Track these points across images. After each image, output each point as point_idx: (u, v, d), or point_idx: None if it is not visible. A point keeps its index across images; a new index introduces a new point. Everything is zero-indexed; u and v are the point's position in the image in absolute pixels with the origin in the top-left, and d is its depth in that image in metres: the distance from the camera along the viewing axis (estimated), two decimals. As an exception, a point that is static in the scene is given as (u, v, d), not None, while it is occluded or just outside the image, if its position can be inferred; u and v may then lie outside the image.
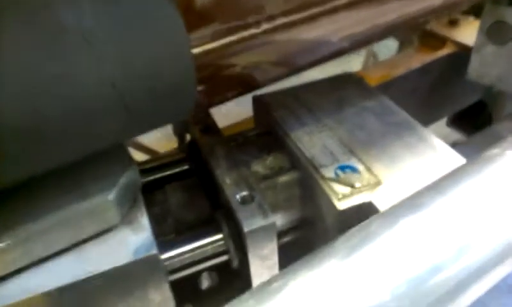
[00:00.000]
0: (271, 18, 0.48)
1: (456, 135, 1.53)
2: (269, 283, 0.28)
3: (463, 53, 1.07)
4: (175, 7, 0.37)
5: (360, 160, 0.52)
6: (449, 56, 1.07)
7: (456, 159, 0.52)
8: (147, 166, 0.55)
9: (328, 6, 0.51)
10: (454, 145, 1.47)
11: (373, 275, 0.26)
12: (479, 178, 0.33)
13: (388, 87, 1.01)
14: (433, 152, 0.53)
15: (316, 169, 0.51)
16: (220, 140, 0.56)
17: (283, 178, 0.54)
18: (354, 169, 0.51)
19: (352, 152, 0.53)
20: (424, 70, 1.06)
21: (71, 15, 0.32)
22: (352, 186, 0.49)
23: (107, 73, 0.34)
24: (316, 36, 0.52)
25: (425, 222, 0.29)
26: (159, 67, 0.37)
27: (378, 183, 0.49)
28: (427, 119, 1.20)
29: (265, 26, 0.48)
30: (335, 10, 0.51)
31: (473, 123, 1.37)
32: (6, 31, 0.30)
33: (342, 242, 0.29)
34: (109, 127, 0.37)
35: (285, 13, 0.48)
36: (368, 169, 0.51)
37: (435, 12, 0.62)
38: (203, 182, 0.56)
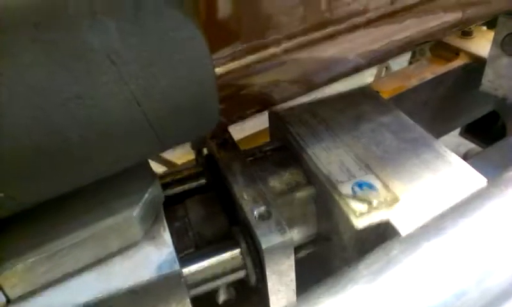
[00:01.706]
0: (290, 36, 0.48)
1: (469, 145, 1.52)
2: (292, 308, 0.28)
3: (476, 64, 1.07)
4: (199, 28, 0.37)
5: (377, 177, 0.52)
6: (462, 67, 1.07)
7: (474, 176, 0.52)
8: (166, 180, 0.56)
9: (345, 24, 0.51)
10: (469, 156, 1.46)
11: (397, 302, 0.26)
12: (501, 200, 0.33)
13: (402, 99, 1.01)
14: (451, 169, 0.53)
15: (333, 185, 0.51)
16: (237, 155, 0.57)
17: (300, 194, 0.55)
18: (371, 186, 0.51)
19: (369, 168, 0.54)
20: (437, 81, 1.06)
21: (97, 35, 0.33)
22: (369, 203, 0.49)
23: (132, 93, 0.35)
24: (334, 53, 0.52)
25: (447, 246, 0.30)
26: (183, 87, 0.38)
27: (396, 200, 0.49)
28: (440, 130, 1.20)
29: (284, 45, 0.49)
30: (353, 28, 0.52)
31: (487, 133, 1.36)
32: (28, 50, 0.30)
33: (364, 267, 0.29)
34: (133, 146, 0.38)
35: (304, 32, 0.49)
36: (386, 186, 0.51)
37: (451, 28, 0.63)
38: (220, 196, 0.57)
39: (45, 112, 0.31)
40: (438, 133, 1.20)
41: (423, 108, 1.07)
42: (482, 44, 1.11)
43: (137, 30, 0.35)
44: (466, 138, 1.41)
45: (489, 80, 0.99)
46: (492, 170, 0.78)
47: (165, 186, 0.55)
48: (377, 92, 0.66)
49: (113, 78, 0.34)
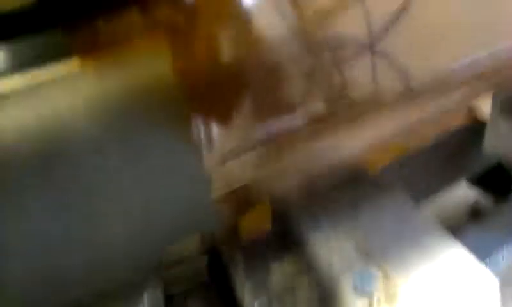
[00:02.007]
0: (293, 129, 0.49)
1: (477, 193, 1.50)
2: None
3: (478, 125, 1.07)
4: (197, 151, 0.39)
5: (378, 267, 0.52)
6: (464, 129, 1.08)
7: (474, 265, 0.52)
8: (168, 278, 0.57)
9: (350, 115, 0.52)
10: (477, 207, 1.42)
11: None
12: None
13: (403, 162, 1.02)
14: (451, 258, 0.53)
15: (334, 278, 0.52)
16: (239, 244, 0.58)
17: (301, 284, 0.55)
18: (371, 277, 0.52)
19: (369, 257, 0.54)
20: (439, 142, 1.07)
21: (96, 164, 0.35)
22: (370, 297, 0.49)
23: (132, 220, 0.37)
24: (339, 145, 0.53)
25: None
26: (182, 204, 0.39)
27: (396, 294, 0.49)
28: (444, 185, 1.20)
29: (286, 138, 0.50)
30: (360, 115, 0.51)
31: (494, 182, 1.35)
32: (26, 194, 0.32)
33: None
34: (131, 265, 0.39)
35: (305, 126, 0.50)
36: (386, 277, 0.51)
37: (451, 111, 0.64)
38: (221, 285, 0.57)
39: (43, 250, 0.32)
40: (442, 188, 1.20)
41: (425, 169, 1.07)
42: (482, 101, 1.12)
43: (137, 157, 0.37)
44: (473, 187, 1.40)
45: (491, 142, 1.00)
46: (501, 237, 0.77)
47: (166, 281, 0.56)
48: (377, 176, 0.67)
49: (113, 208, 0.35)
